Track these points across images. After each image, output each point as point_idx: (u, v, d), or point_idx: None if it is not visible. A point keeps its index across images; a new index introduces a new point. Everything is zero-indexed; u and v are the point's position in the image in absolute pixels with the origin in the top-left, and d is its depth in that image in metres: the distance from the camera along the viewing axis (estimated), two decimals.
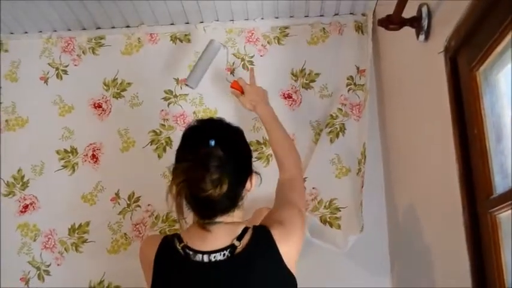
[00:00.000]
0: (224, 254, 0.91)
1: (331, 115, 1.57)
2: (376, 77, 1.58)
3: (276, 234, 0.94)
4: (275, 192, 1.14)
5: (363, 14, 1.66)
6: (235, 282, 0.90)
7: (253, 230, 0.95)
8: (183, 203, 0.90)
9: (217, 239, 0.93)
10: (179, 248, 0.93)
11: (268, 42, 1.68)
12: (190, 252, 0.92)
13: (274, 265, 0.93)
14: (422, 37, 1.04)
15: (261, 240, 0.93)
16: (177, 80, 1.66)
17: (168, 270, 0.93)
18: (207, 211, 0.94)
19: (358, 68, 1.60)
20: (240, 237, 0.93)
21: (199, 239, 0.93)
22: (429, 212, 1.11)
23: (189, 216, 0.96)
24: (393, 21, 1.05)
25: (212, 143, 0.89)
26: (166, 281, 0.93)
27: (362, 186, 1.42)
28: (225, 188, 0.87)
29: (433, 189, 1.08)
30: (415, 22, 1.04)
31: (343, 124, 1.56)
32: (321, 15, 1.67)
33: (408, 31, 1.08)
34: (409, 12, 1.04)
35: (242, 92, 1.40)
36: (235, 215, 0.97)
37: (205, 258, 0.91)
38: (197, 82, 1.47)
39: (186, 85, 1.49)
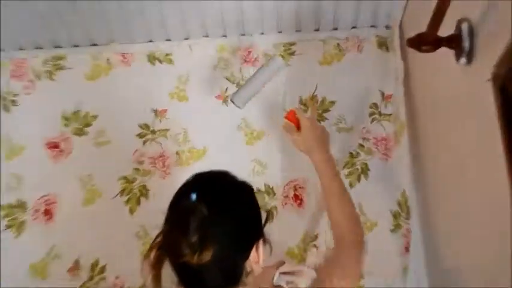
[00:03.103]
0: None
1: (351, 153, 1.58)
2: (405, 104, 1.57)
3: None
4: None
5: (387, 27, 1.66)
6: None
7: None
8: (161, 274, 0.91)
9: None
10: None
11: None
12: None
13: None
14: (463, 60, 1.03)
15: None
16: (155, 112, 1.67)
17: None
18: (194, 286, 0.92)
19: (383, 94, 1.61)
20: None
21: None
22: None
23: None
24: (426, 41, 1.04)
25: (193, 196, 0.88)
26: None
27: (407, 249, 1.43)
28: (207, 256, 0.85)
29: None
30: (453, 42, 1.03)
31: (366, 164, 1.57)
32: (334, 29, 1.66)
33: (445, 50, 1.07)
34: (445, 29, 1.03)
35: (298, 127, 1.35)
36: None
37: None
38: (245, 102, 1.47)
39: (232, 102, 1.48)
